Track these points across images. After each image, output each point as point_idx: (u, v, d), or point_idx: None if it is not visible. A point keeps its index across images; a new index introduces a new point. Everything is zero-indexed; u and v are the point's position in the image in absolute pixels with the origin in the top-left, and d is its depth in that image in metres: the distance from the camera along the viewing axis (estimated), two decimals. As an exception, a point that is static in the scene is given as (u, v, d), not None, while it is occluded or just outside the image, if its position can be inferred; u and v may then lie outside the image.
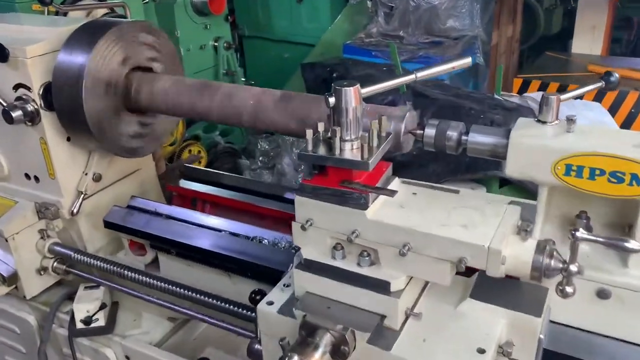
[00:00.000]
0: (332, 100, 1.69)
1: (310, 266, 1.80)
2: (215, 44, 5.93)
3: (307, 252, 1.81)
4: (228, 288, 2.42)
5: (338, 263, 1.76)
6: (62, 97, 2.37)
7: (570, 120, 1.75)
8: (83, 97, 2.33)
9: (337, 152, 1.69)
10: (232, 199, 2.78)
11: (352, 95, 1.68)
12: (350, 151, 1.71)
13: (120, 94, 2.48)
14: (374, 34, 5.37)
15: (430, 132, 1.94)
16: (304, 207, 1.78)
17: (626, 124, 4.05)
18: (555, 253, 1.58)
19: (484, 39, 5.26)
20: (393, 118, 2.01)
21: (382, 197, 1.74)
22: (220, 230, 2.45)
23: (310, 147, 1.73)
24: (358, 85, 1.70)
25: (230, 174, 2.99)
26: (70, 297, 2.81)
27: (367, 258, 1.73)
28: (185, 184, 2.95)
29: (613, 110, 4.00)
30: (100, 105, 2.41)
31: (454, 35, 5.11)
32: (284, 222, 2.70)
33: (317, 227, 1.77)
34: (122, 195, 2.89)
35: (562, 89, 4.34)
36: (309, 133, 1.72)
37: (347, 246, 1.75)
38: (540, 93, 3.88)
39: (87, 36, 2.37)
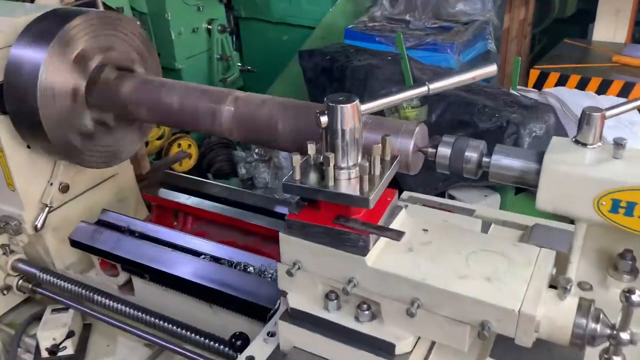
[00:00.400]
0: (324, 119, 1.37)
1: (298, 317, 1.50)
2: (209, 26, 5.55)
3: (295, 300, 1.51)
4: (210, 318, 2.13)
5: (332, 316, 1.46)
6: (15, 99, 2.05)
7: (618, 144, 1.42)
8: (38, 100, 2.00)
9: (331, 183, 1.38)
10: (217, 213, 2.47)
11: (350, 113, 1.36)
12: (346, 182, 1.39)
13: (84, 97, 2.15)
14: (377, 18, 4.98)
15: (444, 151, 1.61)
16: (291, 247, 1.47)
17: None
18: (602, 316, 1.27)
19: (495, 23, 4.88)
20: (400, 134, 1.68)
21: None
22: (200, 254, 2.14)
23: (297, 176, 1.41)
24: (357, 101, 1.37)
25: (215, 182, 2.67)
26: (39, 318, 2.52)
27: (367, 312, 1.43)
28: (166, 193, 2.64)
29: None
30: (59, 110, 2.08)
31: (464, 20, 4.72)
32: (274, 240, 2.39)
33: (307, 271, 1.46)
34: (95, 206, 2.59)
35: (583, 83, 3.99)
36: (296, 159, 1.39)
37: (343, 295, 1.44)
38: (562, 88, 3.56)
39: (44, 29, 2.04)
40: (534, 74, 4.23)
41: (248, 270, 2.04)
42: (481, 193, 3.19)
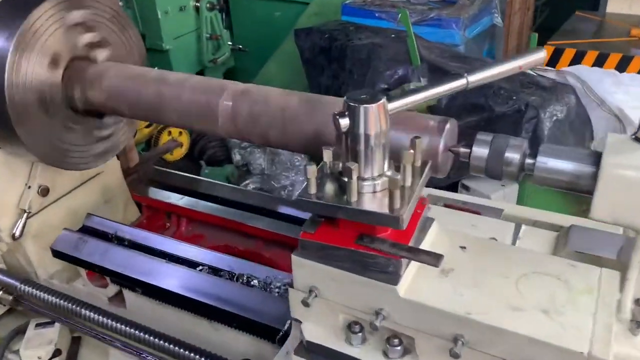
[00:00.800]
0: (344, 122, 1.14)
1: (316, 351, 1.29)
2: (197, 4, 5.26)
3: (311, 331, 1.30)
4: (209, 334, 1.92)
5: (356, 351, 1.25)
6: (-20, 96, 1.79)
7: (691, 141, 1.20)
8: (7, 96, 1.76)
9: (353, 198, 1.15)
10: (213, 215, 2.24)
11: (376, 114, 1.14)
12: (372, 197, 1.18)
13: (60, 92, 1.90)
14: (377, -8, 4.71)
15: (481, 152, 1.38)
16: (306, 271, 1.26)
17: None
18: (682, 354, 1.06)
19: (502, -5, 4.63)
20: (428, 131, 1.45)
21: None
22: (197, 265, 1.92)
23: (313, 190, 1.18)
24: (384, 100, 1.14)
25: (210, 181, 2.43)
26: (23, 331, 2.30)
27: (398, 347, 1.22)
28: (157, 193, 2.40)
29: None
30: (33, 110, 1.84)
31: (469, -8, 4.46)
32: (277, 243, 2.18)
33: (325, 299, 1.25)
34: (80, 209, 2.35)
35: (601, 60, 3.76)
36: (311, 170, 1.17)
37: (368, 326, 1.23)
38: (581, 67, 3.33)
39: (9, 16, 1.78)
40: (548, 50, 3.97)
41: (252, 283, 1.83)
42: (497, 182, 2.98)
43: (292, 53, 5.52)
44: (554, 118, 2.75)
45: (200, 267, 1.92)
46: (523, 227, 1.89)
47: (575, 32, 4.24)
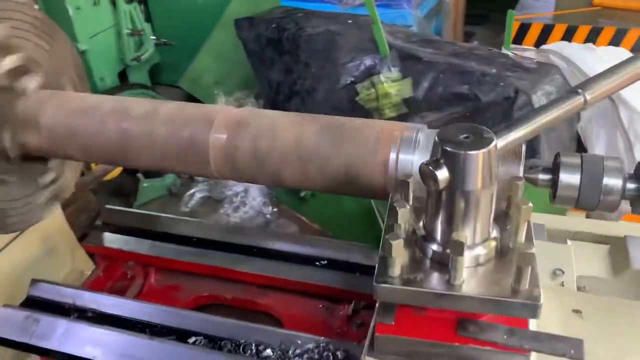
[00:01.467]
0: (443, 176, 0.80)
1: None
2: (113, -4, 4.67)
3: None
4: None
5: None
6: None
7: None
8: None
9: (459, 280, 0.82)
10: (190, 262, 1.84)
11: (487, 163, 0.80)
12: (480, 273, 0.85)
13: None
14: (315, -28, 4.34)
15: (570, 179, 1.09)
16: (389, 377, 0.92)
17: None
18: None
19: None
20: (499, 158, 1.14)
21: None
22: (188, 335, 1.53)
23: (396, 271, 0.85)
24: (495, 141, 0.81)
25: (179, 218, 2.01)
26: None
27: None
28: (113, 240, 1.96)
29: (635, 52, 3.29)
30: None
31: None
32: (273, 288, 1.82)
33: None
34: (16, 270, 1.90)
35: (570, 32, 3.60)
36: (397, 247, 0.83)
37: None
38: (564, 44, 3.14)
39: None
40: (514, 26, 3.77)
41: (263, 354, 1.47)
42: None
43: (225, 43, 5.07)
44: (545, 102, 2.52)
45: (194, 339, 1.54)
46: (568, 242, 1.65)
47: (529, 5, 4.05)
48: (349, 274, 1.77)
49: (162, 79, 5.71)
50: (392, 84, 2.85)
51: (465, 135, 0.82)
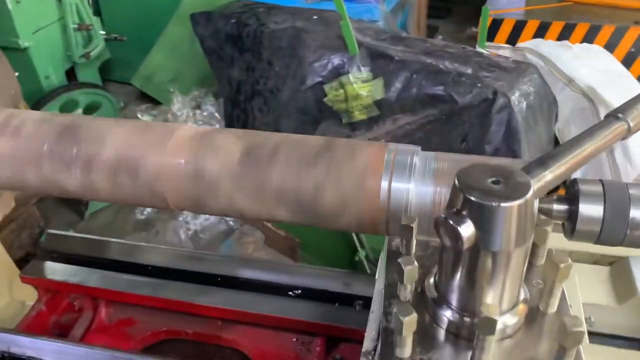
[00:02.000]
0: (467, 233, 0.62)
1: None
2: (56, -12, 4.33)
3: None
4: None
5: None
6: None
7: None
8: None
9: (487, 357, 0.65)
10: (147, 296, 1.62)
11: (524, 216, 0.62)
12: (512, 346, 0.67)
13: None
14: (275, -37, 4.11)
15: (590, 211, 0.92)
16: None
17: (624, 66, 3.30)
18: None
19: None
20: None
21: None
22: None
23: (406, 352, 0.67)
24: (532, 191, 0.63)
25: (132, 244, 1.78)
26: None
27: None
28: (56, 271, 1.72)
29: (608, 49, 3.22)
30: None
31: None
32: (242, 322, 1.63)
33: None
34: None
35: (543, 29, 3.49)
36: (409, 323, 0.65)
37: None
38: (539, 41, 3.02)
39: None
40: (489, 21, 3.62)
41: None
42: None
43: (180, 39, 4.82)
44: (525, 104, 2.41)
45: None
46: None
47: (502, 1, 3.91)
48: (326, 304, 1.59)
49: (114, 76, 5.41)
50: (362, 85, 2.67)
51: (493, 180, 0.64)
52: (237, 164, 1.07)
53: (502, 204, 0.61)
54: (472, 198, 0.62)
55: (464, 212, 0.63)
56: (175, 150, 1.09)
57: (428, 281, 0.78)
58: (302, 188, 1.04)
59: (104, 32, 4.81)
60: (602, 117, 2.57)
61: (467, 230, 0.63)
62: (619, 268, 1.46)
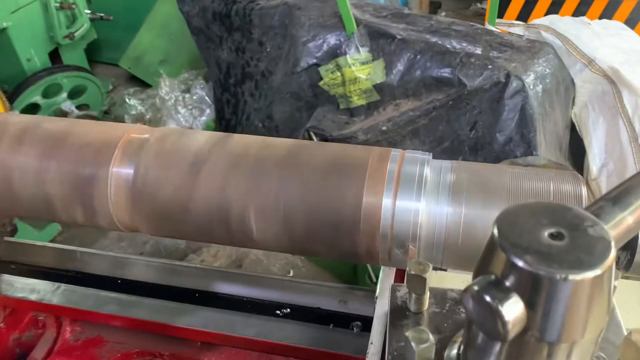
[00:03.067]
0: (513, 314, 0.40)
1: None
2: (37, -37, 4.07)
3: None
4: None
5: None
6: None
7: None
8: None
9: None
10: (116, 316, 1.42)
11: (598, 292, 0.40)
12: None
13: None
14: None
15: None
16: None
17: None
18: None
19: None
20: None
21: None
22: None
23: None
24: (613, 251, 0.41)
25: (101, 253, 1.57)
26: None
27: None
28: (15, 286, 1.51)
29: (629, 25, 2.96)
30: None
31: None
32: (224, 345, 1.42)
33: None
34: None
35: (558, 4, 3.22)
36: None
37: None
38: (554, 17, 2.76)
39: None
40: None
41: None
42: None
43: (169, 18, 4.57)
44: (540, 87, 2.17)
45: None
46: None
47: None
48: (319, 326, 1.38)
49: (101, 58, 5.16)
50: (360, 67, 2.44)
51: (552, 232, 0.42)
52: (186, 174, 0.85)
53: (571, 277, 0.39)
54: (522, 265, 0.40)
55: (508, 283, 0.42)
56: (120, 157, 0.87)
57: (448, 354, 0.56)
58: (268, 204, 0.82)
59: (89, 12, 4.56)
60: (625, 101, 2.36)
61: (513, 311, 0.41)
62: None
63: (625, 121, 2.22)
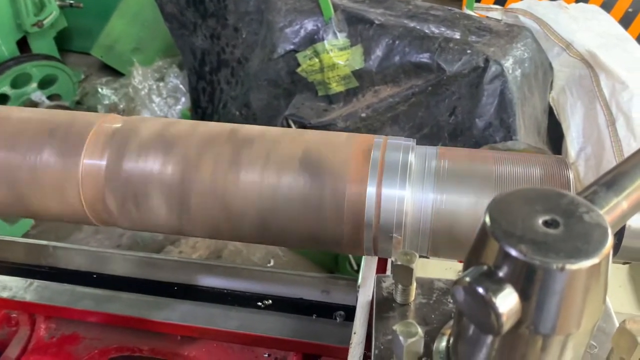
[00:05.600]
0: (507, 307, 0.38)
1: None
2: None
3: None
4: None
5: None
6: None
7: None
8: None
9: None
10: (92, 312, 1.38)
11: (595, 281, 0.38)
12: None
13: None
14: None
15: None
16: None
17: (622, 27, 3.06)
18: None
19: None
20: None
21: None
22: None
23: None
24: (610, 239, 0.39)
25: (79, 247, 1.53)
26: None
27: None
28: (-16, 281, 1.47)
29: (605, 9, 2.98)
30: None
31: None
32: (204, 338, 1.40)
33: None
34: None
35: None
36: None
37: None
38: (532, 1, 2.76)
39: None
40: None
41: None
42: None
43: (141, 4, 4.48)
44: (519, 72, 2.17)
45: None
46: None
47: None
48: (302, 317, 1.36)
49: (72, 46, 5.04)
50: (339, 53, 2.41)
51: (547, 219, 0.41)
52: (161, 163, 0.82)
53: (568, 266, 0.38)
54: (516, 254, 0.39)
55: (501, 274, 0.40)
56: (91, 149, 0.83)
57: (437, 347, 0.55)
58: (245, 193, 0.80)
59: (59, 2, 4.46)
60: (602, 85, 2.37)
61: (507, 302, 0.39)
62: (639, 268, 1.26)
63: (603, 105, 2.23)
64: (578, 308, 0.40)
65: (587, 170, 2.35)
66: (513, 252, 0.39)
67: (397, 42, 2.30)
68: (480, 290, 0.40)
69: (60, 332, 1.52)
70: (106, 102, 4.08)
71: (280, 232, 0.82)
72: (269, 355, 1.42)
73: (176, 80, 3.70)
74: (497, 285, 0.40)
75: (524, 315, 0.40)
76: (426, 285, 0.65)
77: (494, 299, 0.39)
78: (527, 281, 0.39)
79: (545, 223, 0.41)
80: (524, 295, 0.40)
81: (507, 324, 0.40)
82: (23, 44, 4.28)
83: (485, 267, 0.41)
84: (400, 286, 0.60)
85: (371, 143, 0.81)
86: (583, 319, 0.41)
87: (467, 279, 0.40)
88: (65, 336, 1.52)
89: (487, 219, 0.42)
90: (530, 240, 0.39)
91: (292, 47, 2.54)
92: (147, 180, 0.83)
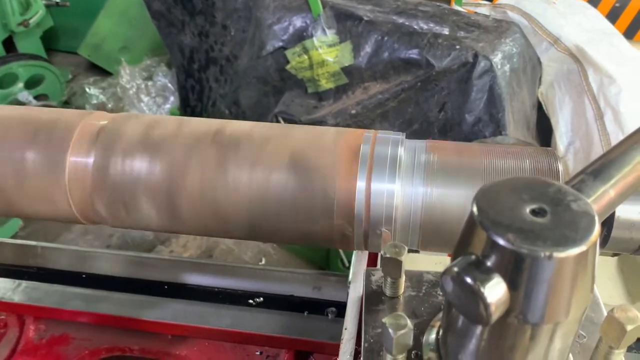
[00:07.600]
0: (496, 296, 0.38)
1: None
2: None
3: None
4: None
5: None
6: None
7: None
8: None
9: None
10: (81, 312, 1.37)
11: (582, 269, 0.39)
12: None
13: None
14: None
15: (632, 213, 0.73)
16: None
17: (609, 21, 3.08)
18: None
19: None
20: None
21: None
22: None
23: None
24: (597, 227, 0.39)
25: (67, 247, 1.52)
26: None
27: None
28: (-29, 283, 1.45)
29: (592, 4, 3.00)
30: None
31: None
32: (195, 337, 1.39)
33: None
34: None
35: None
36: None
37: None
38: None
39: None
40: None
41: None
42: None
43: (129, 2, 4.47)
44: (508, 67, 2.18)
45: None
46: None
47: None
48: (294, 313, 1.36)
49: (59, 46, 5.01)
50: (328, 50, 2.41)
51: (534, 208, 0.41)
52: (148, 160, 0.82)
53: (556, 254, 0.38)
54: (504, 243, 0.39)
55: (489, 264, 0.40)
56: (78, 145, 0.83)
57: (427, 339, 0.55)
58: (234, 190, 0.80)
59: (45, 1, 4.42)
60: (590, 79, 2.39)
61: (496, 292, 0.39)
62: (628, 260, 1.27)
63: (591, 99, 2.25)
64: (566, 296, 0.40)
65: (576, 164, 2.36)
66: (501, 241, 0.39)
67: (386, 38, 2.30)
68: (469, 280, 0.40)
69: (49, 333, 1.51)
70: (94, 101, 4.05)
71: (271, 231, 0.82)
72: (261, 353, 1.42)
73: (164, 79, 3.68)
74: (485, 274, 0.40)
75: (512, 305, 0.40)
76: (415, 278, 0.65)
77: (482, 289, 0.39)
78: (515, 270, 0.39)
79: (533, 212, 0.41)
80: (513, 285, 0.40)
81: (495, 313, 0.40)
82: (9, 44, 4.25)
83: (473, 257, 0.41)
84: (389, 279, 0.60)
85: (361, 137, 0.81)
86: (571, 307, 0.41)
87: (455, 268, 0.41)
88: (54, 337, 1.51)
89: (475, 209, 0.42)
90: (518, 229, 0.40)
91: (281, 44, 2.54)
92: (134, 186, 0.82)
